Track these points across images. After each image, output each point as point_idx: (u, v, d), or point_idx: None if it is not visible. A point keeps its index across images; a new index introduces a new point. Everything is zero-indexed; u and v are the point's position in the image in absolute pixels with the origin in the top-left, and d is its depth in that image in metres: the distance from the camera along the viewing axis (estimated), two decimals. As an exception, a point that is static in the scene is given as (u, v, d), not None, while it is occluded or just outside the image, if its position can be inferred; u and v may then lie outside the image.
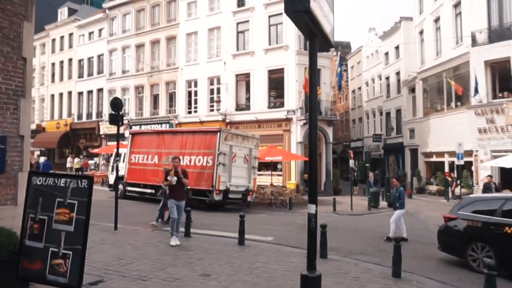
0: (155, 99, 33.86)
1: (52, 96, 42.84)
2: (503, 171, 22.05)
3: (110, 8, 37.37)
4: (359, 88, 45.86)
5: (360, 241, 11.54)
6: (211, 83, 30.29)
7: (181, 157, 18.28)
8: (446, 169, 26.84)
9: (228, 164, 17.36)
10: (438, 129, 27.53)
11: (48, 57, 43.45)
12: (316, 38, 4.56)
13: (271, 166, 24.49)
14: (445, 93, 27.39)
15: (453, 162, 25.51)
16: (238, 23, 29.03)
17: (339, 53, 26.26)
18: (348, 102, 49.85)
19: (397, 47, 35.56)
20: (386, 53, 37.94)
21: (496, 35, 22.47)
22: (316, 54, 4.64)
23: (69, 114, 40.95)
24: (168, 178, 9.49)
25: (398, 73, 35.54)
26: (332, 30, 5.14)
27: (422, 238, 12.24)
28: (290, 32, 26.30)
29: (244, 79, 28.79)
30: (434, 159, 29.02)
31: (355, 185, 26.88)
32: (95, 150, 32.18)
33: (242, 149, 18.23)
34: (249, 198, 18.91)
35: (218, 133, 17.15)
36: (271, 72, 27.45)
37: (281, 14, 26.92)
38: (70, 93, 40.96)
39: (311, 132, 4.69)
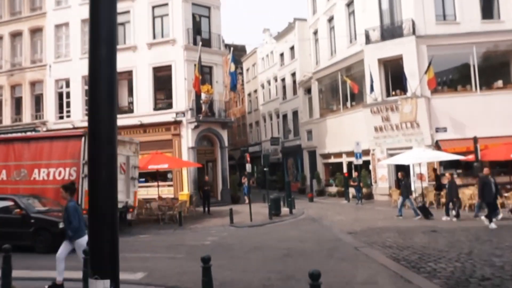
0: (18, 102, 28.24)
1: None
2: (398, 168, 21.84)
3: (-43, -7, 30.64)
4: (255, 91, 44.53)
5: (262, 265, 9.09)
6: (87, 83, 25.94)
7: (36, 171, 14.73)
8: (345, 170, 26.20)
9: (97, 176, 13.85)
10: (335, 130, 26.89)
11: None
12: None
13: (159, 176, 21.23)
14: (341, 93, 26.88)
15: (351, 162, 24.91)
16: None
17: (231, 48, 24.03)
18: (244, 106, 48.30)
19: (292, 48, 34.76)
20: (282, 54, 37.02)
21: (389, 33, 22.29)
22: None
23: None
24: None
25: (293, 74, 34.71)
26: None
27: (335, 252, 10.27)
28: (177, 25, 23.55)
29: (125, 78, 25.05)
30: (333, 160, 28.35)
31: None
32: None
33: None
34: (129, 216, 15.51)
35: (83, 138, 13.58)
36: (156, 69, 24.30)
37: (166, 4, 24.14)
38: None
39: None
